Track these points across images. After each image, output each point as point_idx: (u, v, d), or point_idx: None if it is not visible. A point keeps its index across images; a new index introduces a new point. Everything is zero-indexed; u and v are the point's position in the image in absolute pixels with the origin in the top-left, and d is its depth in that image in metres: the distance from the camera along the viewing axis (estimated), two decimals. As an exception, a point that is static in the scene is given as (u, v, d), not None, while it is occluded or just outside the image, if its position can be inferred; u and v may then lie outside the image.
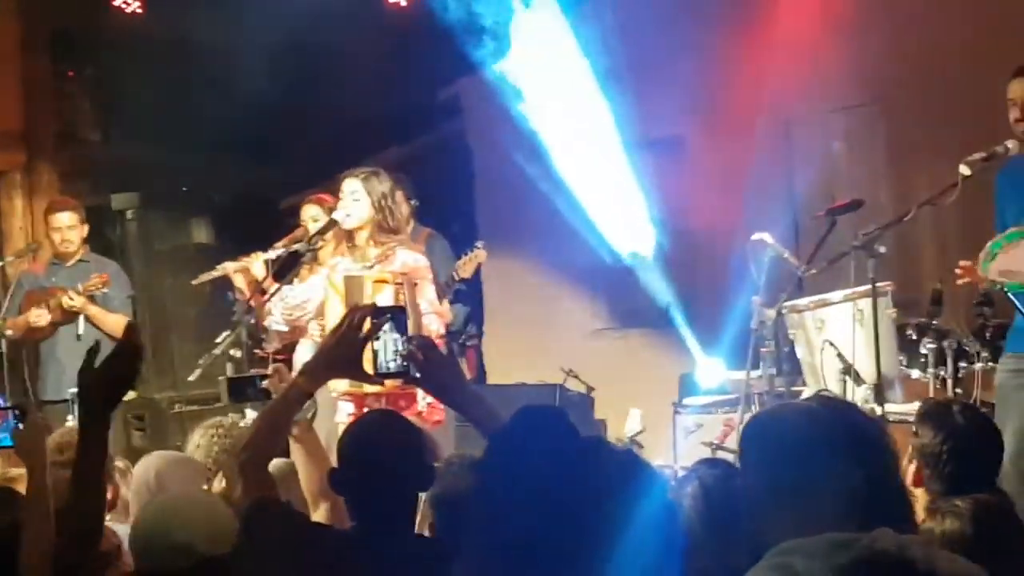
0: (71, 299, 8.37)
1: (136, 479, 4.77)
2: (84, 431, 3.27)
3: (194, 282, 8.31)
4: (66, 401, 7.95)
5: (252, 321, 7.53)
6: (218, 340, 7.00)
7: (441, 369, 3.46)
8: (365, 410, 6.10)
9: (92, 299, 8.43)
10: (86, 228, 8.89)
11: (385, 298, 6.15)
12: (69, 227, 8.71)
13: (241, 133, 12.17)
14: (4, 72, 10.49)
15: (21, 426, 3.84)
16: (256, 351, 8.42)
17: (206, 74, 11.94)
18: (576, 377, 9.61)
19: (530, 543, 2.03)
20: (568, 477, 2.09)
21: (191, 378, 7.14)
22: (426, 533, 4.12)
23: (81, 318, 8.45)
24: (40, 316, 8.47)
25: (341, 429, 5.88)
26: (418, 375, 3.46)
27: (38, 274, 8.93)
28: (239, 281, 7.61)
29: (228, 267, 7.69)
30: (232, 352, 7.23)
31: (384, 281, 6.36)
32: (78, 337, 8.46)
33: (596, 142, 9.75)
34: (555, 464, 2.11)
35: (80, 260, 8.78)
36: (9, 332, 8.76)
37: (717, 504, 3.44)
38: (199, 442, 5.13)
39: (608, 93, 9.68)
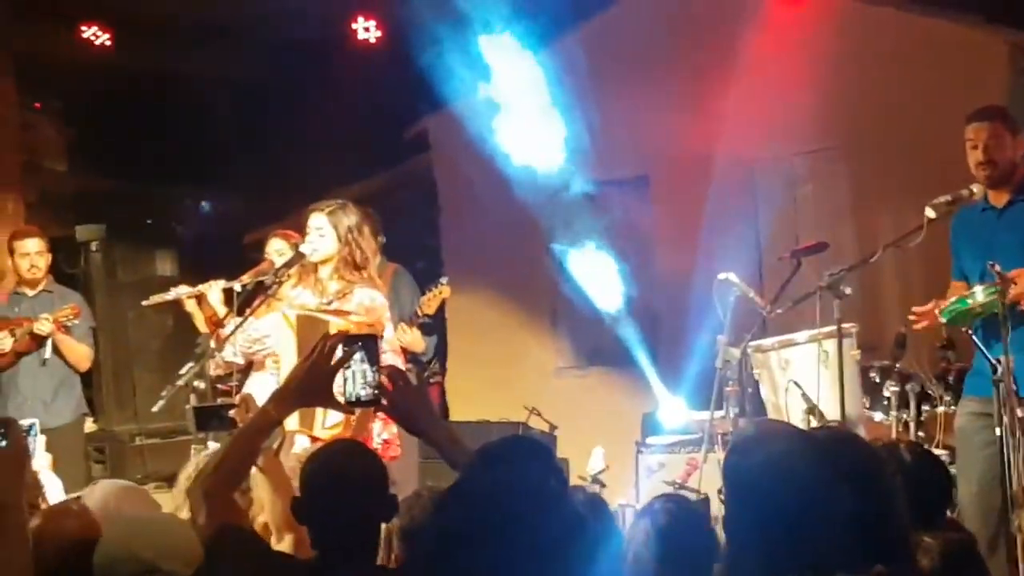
0: (43, 326, 8.34)
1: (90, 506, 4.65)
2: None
3: (144, 303, 8.20)
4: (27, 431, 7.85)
5: (217, 355, 7.45)
6: (182, 372, 6.93)
7: (410, 399, 3.46)
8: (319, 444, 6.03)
9: (63, 327, 8.40)
10: (50, 257, 8.89)
11: None
12: (37, 253, 8.74)
13: (206, 166, 12.17)
14: (-30, 102, 10.44)
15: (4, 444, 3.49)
16: (218, 384, 8.35)
17: (172, 107, 11.94)
18: (539, 415, 9.59)
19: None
20: (545, 512, 2.07)
21: (154, 409, 7.07)
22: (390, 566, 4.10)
23: (48, 344, 8.43)
24: (3, 340, 8.43)
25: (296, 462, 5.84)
26: (387, 404, 3.46)
27: (1, 304, 8.89)
28: (191, 307, 7.53)
29: (182, 291, 7.61)
30: (196, 384, 7.15)
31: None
32: (43, 363, 8.48)
33: (560, 179, 9.76)
34: (534, 497, 2.08)
35: (44, 290, 8.78)
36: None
37: (669, 539, 3.51)
38: (191, 473, 5.04)
39: (573, 131, 9.71)
